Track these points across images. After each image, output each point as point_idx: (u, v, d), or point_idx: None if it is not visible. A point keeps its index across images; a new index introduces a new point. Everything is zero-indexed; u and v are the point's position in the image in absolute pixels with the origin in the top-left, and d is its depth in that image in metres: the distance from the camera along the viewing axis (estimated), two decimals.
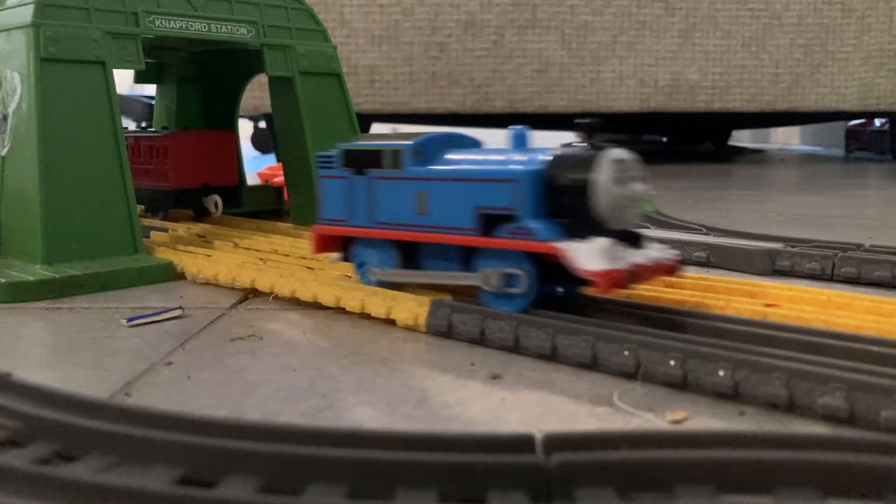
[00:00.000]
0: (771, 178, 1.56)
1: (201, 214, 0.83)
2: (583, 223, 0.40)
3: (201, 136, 0.85)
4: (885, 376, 0.30)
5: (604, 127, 0.42)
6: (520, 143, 0.45)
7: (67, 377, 0.37)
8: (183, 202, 0.82)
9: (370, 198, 0.48)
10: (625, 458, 0.24)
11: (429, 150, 0.47)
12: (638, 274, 0.40)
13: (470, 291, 0.46)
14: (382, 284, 0.48)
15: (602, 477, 0.24)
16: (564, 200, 0.41)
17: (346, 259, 0.51)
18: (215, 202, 0.82)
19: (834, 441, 0.25)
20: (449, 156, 0.47)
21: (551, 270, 0.41)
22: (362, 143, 0.49)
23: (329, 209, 0.50)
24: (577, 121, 0.42)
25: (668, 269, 0.42)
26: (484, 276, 0.43)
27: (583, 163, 0.41)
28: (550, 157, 0.42)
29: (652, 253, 0.41)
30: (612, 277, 0.38)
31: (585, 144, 0.42)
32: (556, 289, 0.42)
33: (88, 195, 0.59)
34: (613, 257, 0.39)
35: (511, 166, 0.43)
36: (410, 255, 0.48)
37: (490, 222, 0.43)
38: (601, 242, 0.39)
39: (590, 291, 0.43)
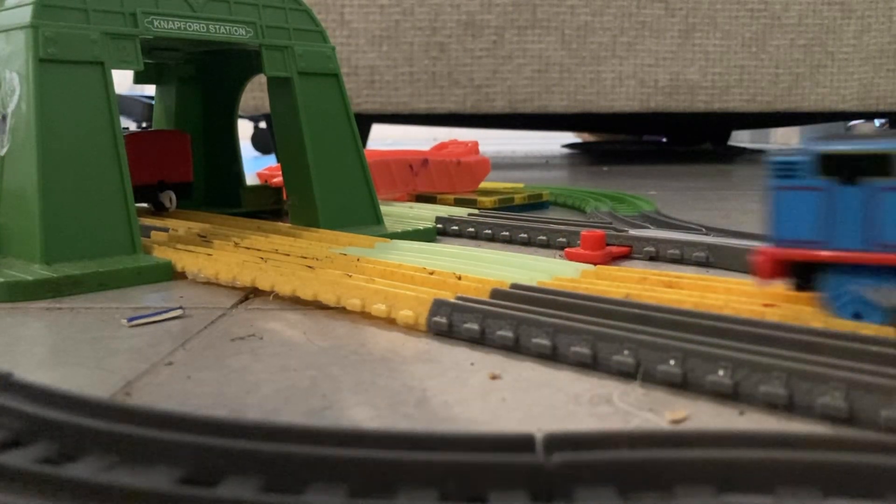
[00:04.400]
0: None
1: (158, 209, 0.87)
2: None
3: (157, 136, 0.90)
4: (885, 376, 0.30)
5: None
6: None
7: (68, 377, 0.37)
8: (140, 197, 0.84)
9: (868, 214, 0.39)
10: (625, 458, 0.24)
11: None
12: None
13: None
14: (866, 304, 0.40)
15: (602, 477, 0.24)
16: None
17: (805, 288, 0.42)
18: (170, 197, 0.87)
19: (834, 441, 0.25)
20: None
21: None
22: (853, 146, 0.39)
23: (789, 228, 0.41)
24: None
25: None
26: None
27: None
28: None
29: None
30: None
31: None
32: None
33: (87, 195, 0.59)
34: None
35: None
36: None
37: None
38: None
39: None
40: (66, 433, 0.27)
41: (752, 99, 1.72)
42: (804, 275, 0.42)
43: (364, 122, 1.78)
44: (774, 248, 0.42)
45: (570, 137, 3.47)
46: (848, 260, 0.39)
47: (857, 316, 0.40)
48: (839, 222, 0.39)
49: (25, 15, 0.58)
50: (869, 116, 2.13)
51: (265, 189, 0.96)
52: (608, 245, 0.66)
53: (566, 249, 0.66)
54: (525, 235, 0.75)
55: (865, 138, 0.39)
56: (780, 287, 0.45)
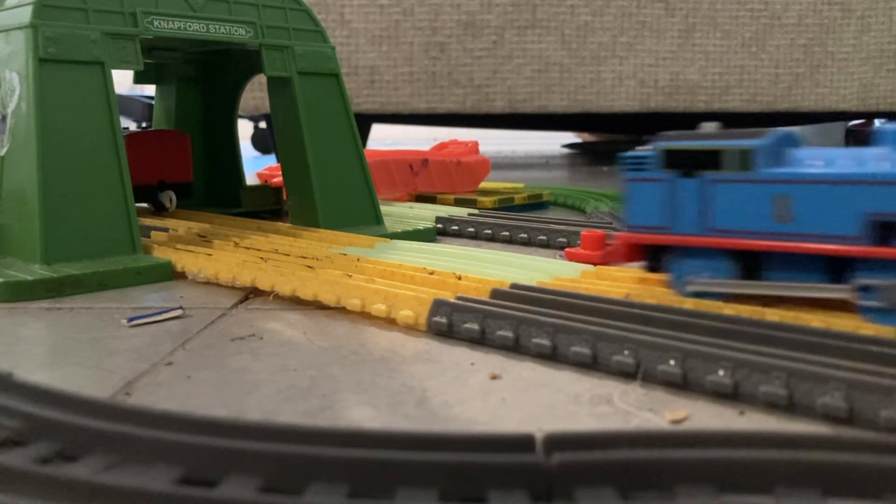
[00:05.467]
0: None
1: (158, 209, 0.87)
2: None
3: (157, 136, 0.90)
4: (885, 376, 0.30)
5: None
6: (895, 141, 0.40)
7: (68, 377, 0.37)
8: (140, 197, 0.83)
9: (703, 203, 0.44)
10: (625, 457, 0.24)
11: (780, 149, 0.43)
12: None
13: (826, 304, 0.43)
14: (705, 296, 0.44)
15: (602, 477, 0.24)
16: None
17: (655, 269, 0.47)
18: (170, 197, 0.87)
19: (834, 441, 0.25)
20: (807, 156, 0.42)
21: None
22: (693, 143, 0.44)
23: (640, 216, 0.46)
24: None
25: None
26: (874, 290, 0.39)
27: None
28: None
29: None
30: None
31: None
32: None
33: (87, 195, 0.59)
34: None
35: None
36: (750, 265, 0.44)
37: (886, 230, 0.39)
38: None
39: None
40: (66, 433, 0.27)
41: (752, 99, 1.72)
42: (655, 258, 0.47)
43: (364, 122, 1.78)
44: (628, 233, 0.47)
45: (570, 137, 3.47)
46: (687, 244, 0.44)
47: (697, 295, 0.45)
48: (680, 210, 0.44)
49: (25, 15, 0.58)
50: (869, 116, 2.13)
51: (265, 189, 0.96)
52: (608, 245, 0.66)
53: (566, 249, 0.66)
54: (525, 235, 0.75)
55: (703, 136, 0.44)
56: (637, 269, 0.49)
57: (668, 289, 0.46)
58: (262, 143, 2.94)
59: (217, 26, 0.68)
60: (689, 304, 0.44)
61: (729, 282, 0.44)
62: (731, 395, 0.33)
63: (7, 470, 0.24)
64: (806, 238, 0.41)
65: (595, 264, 0.55)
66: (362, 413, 0.32)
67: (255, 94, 1.56)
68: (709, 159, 0.43)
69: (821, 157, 0.42)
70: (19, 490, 0.24)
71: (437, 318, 0.43)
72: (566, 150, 2.99)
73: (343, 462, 0.24)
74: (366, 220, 0.77)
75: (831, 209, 0.40)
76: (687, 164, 0.44)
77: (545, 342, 0.38)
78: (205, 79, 0.95)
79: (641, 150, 0.46)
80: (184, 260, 0.58)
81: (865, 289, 0.39)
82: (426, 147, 1.24)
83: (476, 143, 1.17)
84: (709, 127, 0.45)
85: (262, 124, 2.79)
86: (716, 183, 0.43)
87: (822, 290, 0.41)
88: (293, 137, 0.75)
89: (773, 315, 0.41)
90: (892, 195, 0.39)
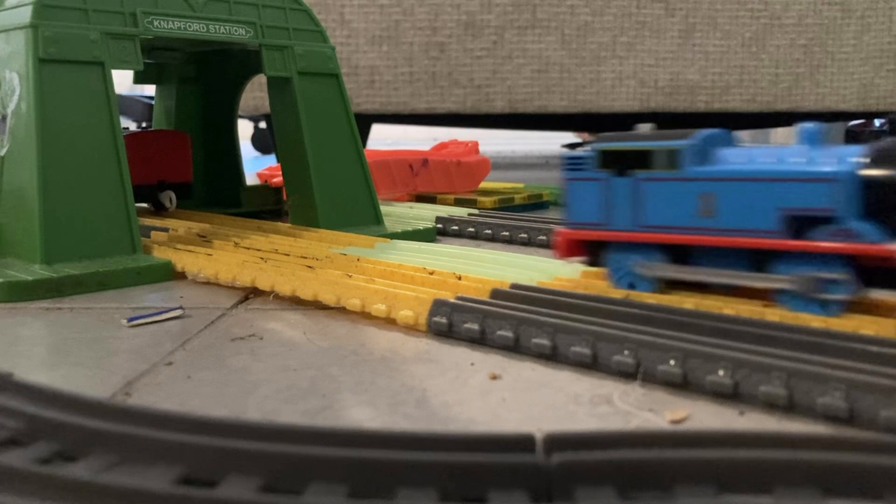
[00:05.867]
0: None
1: (158, 209, 0.87)
2: None
3: (157, 136, 0.90)
4: (885, 376, 0.30)
5: None
6: (812, 140, 0.42)
7: (68, 377, 0.37)
8: (140, 197, 0.83)
9: (635, 200, 0.46)
10: (625, 458, 0.24)
11: (706, 148, 0.45)
12: None
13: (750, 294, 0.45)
14: (644, 283, 0.47)
15: (602, 477, 0.24)
16: (889, 199, 0.39)
17: (594, 264, 0.49)
18: (170, 197, 0.87)
19: (834, 441, 0.25)
20: (731, 154, 0.44)
21: (868, 273, 0.40)
22: (626, 144, 0.46)
23: (580, 213, 0.48)
24: (892, 116, 0.41)
25: None
26: (799, 280, 0.41)
27: None
28: (869, 154, 0.40)
29: None
30: None
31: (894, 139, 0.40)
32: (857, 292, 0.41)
33: (87, 195, 0.59)
34: None
35: (826, 165, 0.40)
36: (680, 259, 0.46)
37: (799, 224, 0.41)
38: None
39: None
40: (66, 433, 0.27)
41: (752, 99, 1.72)
42: (594, 253, 0.49)
43: (364, 122, 1.78)
44: (569, 230, 0.49)
45: (570, 137, 3.47)
46: (621, 239, 0.47)
47: (631, 286, 0.47)
48: (615, 207, 0.47)
49: (25, 15, 0.58)
50: (869, 116, 2.13)
51: (265, 189, 0.96)
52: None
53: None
54: (525, 235, 0.75)
55: (635, 137, 0.46)
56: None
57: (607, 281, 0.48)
58: (262, 143, 2.94)
59: (217, 26, 0.68)
60: (689, 303, 0.44)
61: (673, 266, 0.46)
62: (731, 395, 0.33)
63: (7, 470, 0.24)
64: (728, 232, 0.43)
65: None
66: (362, 413, 0.32)
67: (255, 94, 1.55)
68: (640, 159, 0.46)
69: (744, 156, 0.44)
70: (19, 490, 0.24)
71: (437, 318, 0.43)
72: (566, 150, 2.98)
73: (343, 462, 0.24)
74: (366, 220, 0.77)
75: (750, 205, 0.42)
76: (620, 163, 0.46)
77: (545, 342, 0.38)
78: (205, 79, 0.95)
79: (580, 151, 0.48)
80: (184, 260, 0.58)
81: (792, 279, 0.41)
82: (426, 147, 1.24)
83: (476, 143, 1.17)
84: (644, 128, 0.47)
85: (262, 124, 2.79)
86: (646, 181, 0.45)
87: (758, 279, 0.43)
88: (293, 137, 0.75)
89: (773, 315, 0.41)
90: (804, 191, 0.41)
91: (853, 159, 0.40)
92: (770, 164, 0.42)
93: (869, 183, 0.39)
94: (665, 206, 0.45)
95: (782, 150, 0.43)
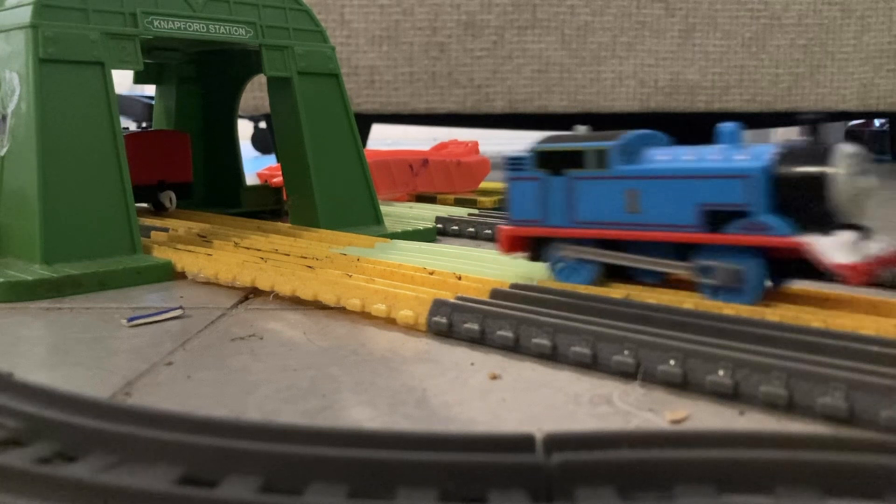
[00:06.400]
0: None
1: (158, 209, 0.87)
2: (813, 217, 0.41)
3: (157, 136, 0.90)
4: (885, 376, 0.30)
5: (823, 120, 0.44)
6: (731, 140, 0.45)
7: (68, 377, 0.37)
8: (140, 197, 0.83)
9: (570, 198, 0.48)
10: (625, 458, 0.24)
11: (633, 148, 0.47)
12: (880, 264, 0.40)
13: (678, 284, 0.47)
14: (575, 270, 0.49)
15: (602, 477, 0.24)
16: (797, 195, 0.41)
17: (536, 258, 0.51)
18: (170, 197, 0.87)
19: (834, 441, 0.25)
20: (656, 153, 0.47)
21: (780, 264, 0.42)
22: (560, 145, 0.49)
23: (520, 210, 0.51)
24: (801, 117, 0.44)
25: None
26: (708, 270, 0.44)
27: (817, 157, 0.41)
28: (781, 153, 0.42)
29: (880, 244, 0.41)
30: (863, 270, 0.39)
31: (810, 140, 0.42)
32: (776, 283, 0.44)
33: (87, 195, 0.59)
34: (859, 250, 0.39)
35: (741, 162, 0.43)
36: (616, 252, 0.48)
37: (716, 218, 0.43)
38: (847, 236, 0.39)
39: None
40: (66, 433, 0.27)
41: (752, 99, 1.72)
42: (534, 248, 0.51)
43: (364, 122, 1.78)
44: (511, 226, 0.51)
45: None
46: (558, 235, 0.49)
47: (568, 278, 0.49)
48: (551, 205, 0.49)
49: (25, 15, 0.58)
50: (869, 116, 2.13)
51: (265, 189, 0.96)
52: None
53: None
54: None
55: (569, 139, 0.49)
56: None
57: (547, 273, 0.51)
58: (262, 143, 2.94)
59: (217, 26, 0.68)
60: (689, 303, 0.44)
61: (599, 251, 0.48)
62: (731, 395, 0.33)
63: (7, 470, 0.24)
64: (652, 227, 0.45)
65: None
66: (362, 413, 0.32)
67: (255, 94, 1.55)
68: (572, 159, 0.48)
69: (669, 154, 0.46)
70: (19, 490, 0.24)
71: (437, 318, 0.43)
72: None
73: (343, 462, 0.24)
74: (366, 220, 0.77)
75: (671, 201, 0.45)
76: (555, 163, 0.49)
77: (545, 342, 0.38)
78: (205, 79, 0.95)
79: (519, 153, 0.51)
80: (184, 260, 0.58)
81: (703, 269, 0.44)
82: (426, 147, 1.23)
83: (476, 143, 1.17)
84: (581, 129, 0.50)
85: (262, 124, 2.79)
86: (578, 180, 0.48)
87: (675, 267, 0.46)
88: (293, 137, 0.75)
89: (772, 315, 0.41)
90: (719, 187, 0.43)
91: (765, 157, 0.42)
92: (689, 162, 0.45)
93: (779, 180, 0.42)
94: (595, 203, 0.47)
95: (703, 150, 0.45)
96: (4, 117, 0.60)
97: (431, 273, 0.52)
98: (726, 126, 0.45)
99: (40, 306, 0.51)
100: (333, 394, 0.34)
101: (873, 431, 0.29)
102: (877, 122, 2.29)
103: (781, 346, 0.35)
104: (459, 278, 0.50)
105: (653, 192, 0.45)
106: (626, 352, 0.36)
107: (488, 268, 0.54)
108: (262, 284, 0.52)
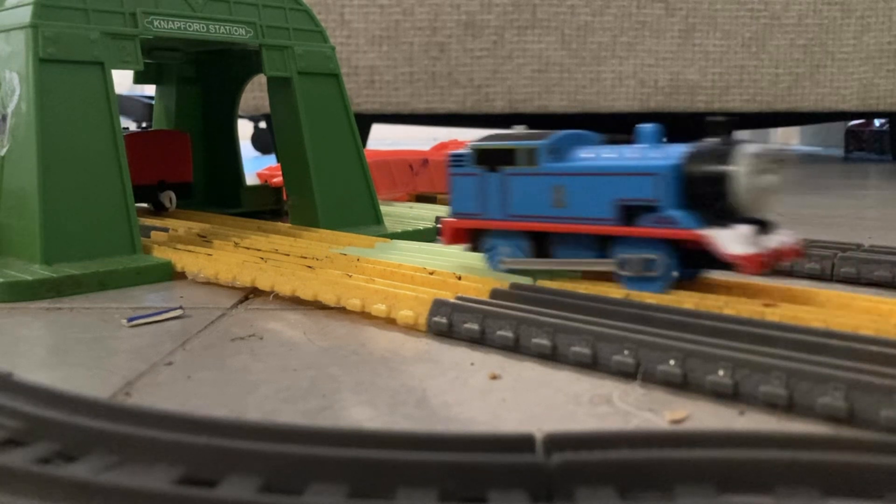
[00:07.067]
0: None
1: (158, 209, 0.87)
2: (718, 212, 0.44)
3: (157, 136, 0.90)
4: (885, 376, 0.30)
5: (735, 125, 0.46)
6: (650, 139, 0.48)
7: (68, 377, 0.37)
8: (140, 197, 0.83)
9: (503, 193, 0.51)
10: (625, 457, 0.24)
11: (561, 147, 0.50)
12: (777, 257, 0.44)
13: (599, 276, 0.49)
14: (512, 272, 0.51)
15: (602, 477, 0.24)
16: (703, 191, 0.44)
17: (475, 249, 0.54)
18: (170, 197, 0.87)
19: (834, 441, 0.25)
20: (581, 152, 0.50)
21: (689, 256, 0.45)
22: (495, 143, 0.52)
23: (460, 204, 0.54)
24: (709, 119, 0.45)
25: (796, 251, 0.45)
26: (623, 262, 0.47)
27: (721, 156, 0.44)
28: (690, 152, 0.45)
29: (780, 237, 0.45)
30: (758, 261, 0.42)
31: (718, 140, 0.45)
32: (686, 274, 0.47)
33: (87, 195, 0.59)
34: (756, 242, 0.43)
35: (652, 161, 0.46)
36: (542, 244, 0.51)
37: (630, 212, 0.46)
38: (744, 229, 0.43)
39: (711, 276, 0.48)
40: (66, 433, 0.27)
41: (752, 99, 1.72)
42: (475, 240, 0.54)
43: (364, 122, 1.78)
44: (453, 219, 0.54)
45: None
46: (494, 227, 0.52)
47: (501, 268, 0.52)
48: (488, 199, 0.52)
49: (25, 15, 0.58)
50: (869, 116, 2.13)
51: (265, 189, 0.96)
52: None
53: None
54: None
55: (504, 137, 0.52)
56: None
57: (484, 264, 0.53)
58: (262, 143, 2.94)
59: (217, 26, 0.68)
60: (689, 303, 0.44)
61: (524, 260, 0.51)
62: (730, 395, 0.33)
63: (7, 470, 0.24)
64: (576, 221, 0.49)
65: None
66: (362, 413, 0.32)
67: (255, 94, 1.56)
68: (506, 157, 0.51)
69: (593, 153, 0.49)
70: (19, 490, 0.24)
71: (437, 318, 0.43)
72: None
73: (343, 462, 0.24)
74: (366, 220, 0.77)
75: (591, 196, 0.48)
76: (491, 160, 0.52)
77: (545, 342, 0.38)
78: (205, 79, 0.95)
79: (461, 150, 0.54)
80: (184, 260, 0.58)
81: (622, 262, 0.47)
82: (426, 147, 1.24)
83: None
84: (518, 129, 0.53)
85: (262, 124, 2.79)
86: (511, 176, 0.51)
87: (594, 264, 0.49)
88: (293, 137, 0.75)
89: (773, 315, 0.41)
90: (633, 184, 0.46)
91: (675, 157, 0.45)
92: (608, 160, 0.48)
93: (688, 177, 0.45)
94: (526, 197, 0.50)
95: (623, 149, 0.48)
96: (4, 117, 0.60)
97: (431, 273, 0.52)
98: (646, 127, 0.48)
99: (40, 306, 0.51)
100: (333, 394, 0.34)
101: (873, 431, 0.29)
102: (877, 122, 2.29)
103: (781, 346, 0.35)
104: (459, 278, 0.50)
105: (575, 187, 0.48)
106: (626, 352, 0.36)
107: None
108: (263, 284, 0.52)
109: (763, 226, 0.44)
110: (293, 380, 0.36)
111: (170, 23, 0.65)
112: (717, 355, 0.33)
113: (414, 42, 1.61)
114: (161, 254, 0.61)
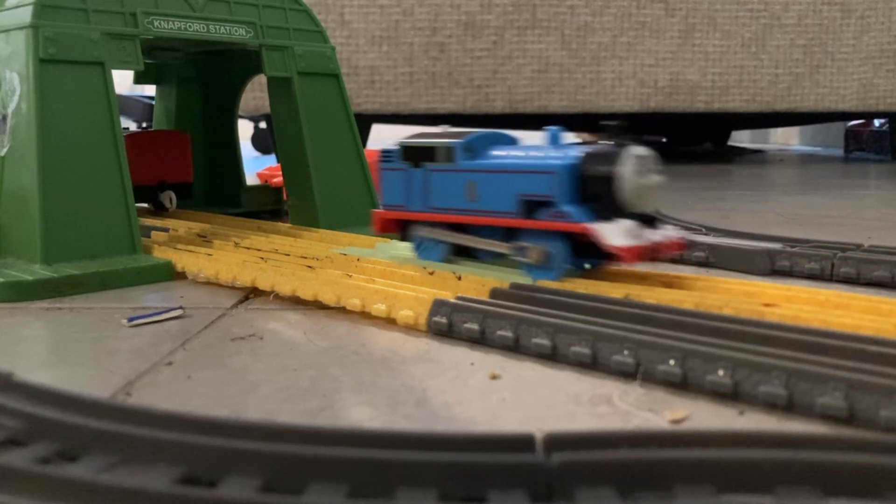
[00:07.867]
0: (770, 178, 1.56)
1: (158, 209, 0.87)
2: (608, 208, 0.48)
3: (157, 136, 0.90)
4: (885, 376, 0.30)
5: (627, 128, 0.49)
6: (554, 141, 0.52)
7: (68, 377, 0.37)
8: (140, 197, 0.83)
9: (426, 187, 0.56)
10: (625, 457, 0.24)
11: (476, 146, 0.55)
12: (656, 249, 0.47)
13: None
14: (431, 248, 0.56)
15: (602, 477, 0.24)
16: (594, 189, 0.48)
17: (403, 238, 0.59)
18: (170, 197, 0.87)
19: (834, 441, 0.25)
20: (493, 151, 0.54)
21: (583, 247, 0.48)
22: (419, 141, 0.56)
23: (389, 196, 0.58)
24: (603, 122, 0.49)
25: (680, 245, 0.49)
26: (523, 250, 0.50)
27: (610, 158, 0.48)
28: (582, 153, 0.49)
29: (665, 232, 0.49)
30: (635, 252, 0.46)
31: (611, 142, 0.49)
32: (584, 264, 0.51)
33: (87, 195, 0.59)
34: (635, 235, 0.46)
35: (550, 160, 0.50)
36: (461, 234, 0.55)
37: (531, 207, 0.50)
38: (625, 223, 0.47)
39: (610, 267, 0.52)
40: (66, 433, 0.27)
41: (752, 99, 1.72)
42: (403, 229, 0.59)
43: (364, 122, 1.78)
44: (383, 210, 0.59)
45: (570, 137, 3.47)
46: (418, 218, 0.57)
47: (427, 256, 0.57)
48: (413, 192, 0.57)
49: (25, 15, 0.58)
50: (869, 116, 2.13)
51: (265, 189, 0.96)
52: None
53: None
54: None
55: (428, 136, 0.57)
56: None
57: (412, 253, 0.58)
58: (262, 143, 2.93)
59: (217, 26, 0.68)
60: (689, 303, 0.44)
61: (441, 230, 0.56)
62: (730, 395, 0.33)
63: (7, 470, 0.24)
64: (486, 213, 0.53)
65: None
66: (362, 413, 0.32)
67: (255, 94, 1.56)
68: (427, 154, 0.56)
69: (504, 152, 0.54)
70: (19, 490, 0.24)
71: (437, 318, 0.43)
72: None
73: (343, 462, 0.24)
74: (366, 220, 0.77)
75: (498, 191, 0.52)
76: (415, 157, 0.56)
77: (545, 342, 0.38)
78: (205, 79, 0.95)
79: (390, 147, 0.58)
80: (184, 260, 0.58)
81: (520, 249, 0.51)
82: None
83: None
84: (442, 128, 0.58)
85: (262, 124, 2.79)
86: (432, 172, 0.55)
87: (498, 247, 0.53)
88: (293, 137, 0.75)
89: (772, 315, 0.41)
90: (533, 180, 0.50)
91: (571, 157, 0.49)
92: (513, 159, 0.52)
93: (581, 176, 0.49)
94: (445, 191, 0.55)
95: (528, 149, 0.53)
96: (4, 117, 0.60)
97: (431, 273, 0.52)
98: (551, 129, 0.52)
99: (40, 306, 0.51)
100: (333, 394, 0.34)
101: (873, 431, 0.29)
102: (876, 122, 2.29)
103: (781, 346, 0.35)
104: (459, 278, 0.50)
105: (485, 183, 0.53)
106: (625, 352, 0.36)
107: (488, 268, 0.54)
108: (263, 284, 0.52)
109: (648, 221, 0.49)
110: (293, 380, 0.36)
111: (170, 23, 0.65)
112: (716, 355, 0.33)
113: (414, 42, 1.61)
114: (161, 254, 0.61)
